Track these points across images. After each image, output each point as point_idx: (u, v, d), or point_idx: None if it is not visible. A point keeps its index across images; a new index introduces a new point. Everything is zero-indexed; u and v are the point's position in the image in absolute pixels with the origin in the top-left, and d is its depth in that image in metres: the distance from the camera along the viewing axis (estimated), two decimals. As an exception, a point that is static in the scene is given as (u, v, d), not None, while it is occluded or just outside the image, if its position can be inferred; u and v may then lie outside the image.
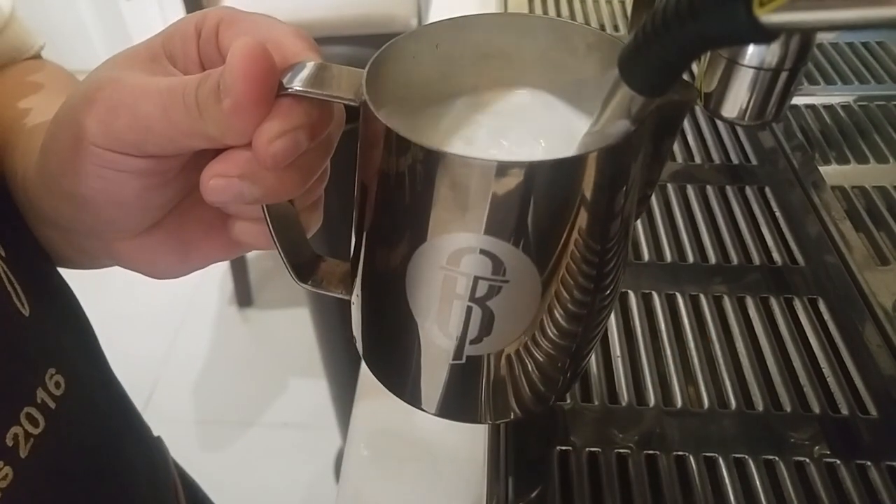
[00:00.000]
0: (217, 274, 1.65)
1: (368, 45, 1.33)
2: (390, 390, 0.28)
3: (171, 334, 1.55)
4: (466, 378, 0.25)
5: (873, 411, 0.35)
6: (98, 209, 0.24)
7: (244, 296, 1.59)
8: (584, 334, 0.25)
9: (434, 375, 0.25)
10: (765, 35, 0.17)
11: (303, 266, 0.28)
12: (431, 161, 0.20)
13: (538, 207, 0.20)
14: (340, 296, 0.28)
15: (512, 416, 0.27)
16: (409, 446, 0.39)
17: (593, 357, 0.38)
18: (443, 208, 0.20)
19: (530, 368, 0.25)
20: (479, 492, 0.35)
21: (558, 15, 0.72)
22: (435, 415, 0.27)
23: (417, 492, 0.37)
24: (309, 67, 0.22)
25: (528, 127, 0.25)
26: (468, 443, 0.39)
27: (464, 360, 0.24)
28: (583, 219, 0.21)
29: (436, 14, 0.90)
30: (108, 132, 0.21)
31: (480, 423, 0.27)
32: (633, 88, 0.20)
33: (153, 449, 0.40)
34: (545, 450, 0.34)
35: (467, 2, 0.90)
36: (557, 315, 0.23)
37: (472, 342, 0.23)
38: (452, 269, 0.21)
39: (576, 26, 0.25)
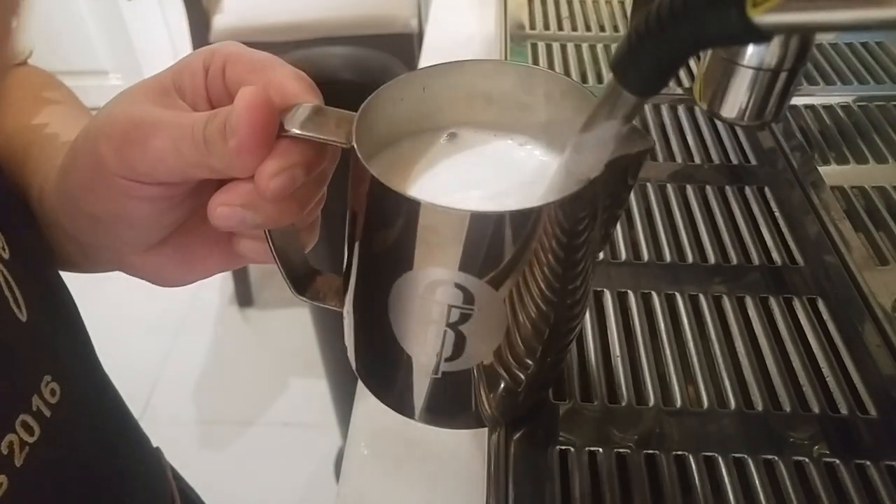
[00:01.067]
0: (217, 274, 1.65)
1: (369, 45, 1.33)
2: (378, 398, 0.30)
3: (172, 334, 1.55)
4: (444, 391, 0.28)
5: (873, 411, 0.35)
6: (113, 227, 0.26)
7: (244, 296, 1.59)
8: (549, 352, 0.28)
9: (415, 387, 0.28)
10: (758, 35, 0.17)
11: (300, 280, 0.31)
12: (410, 208, 0.22)
13: (504, 249, 0.23)
14: (335, 308, 0.31)
15: (488, 424, 0.30)
16: (409, 446, 0.39)
17: (593, 357, 0.38)
18: (421, 247, 0.23)
19: (501, 382, 0.28)
20: (479, 492, 0.35)
21: (559, 17, 0.72)
22: (418, 421, 0.30)
23: (417, 492, 0.37)
24: (306, 110, 0.24)
25: (503, 168, 0.28)
26: (468, 443, 0.39)
27: (440, 375, 0.27)
28: (544, 257, 0.24)
29: (436, 14, 0.90)
30: (124, 163, 0.24)
31: (460, 429, 0.30)
32: (626, 88, 0.21)
33: (150, 459, 0.40)
34: (545, 449, 0.34)
35: (467, 2, 0.90)
36: (522, 337, 0.26)
37: (447, 360, 0.26)
38: (429, 297, 0.24)
39: (552, 74, 0.28)
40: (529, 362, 0.28)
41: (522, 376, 0.28)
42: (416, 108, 0.28)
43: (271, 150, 0.23)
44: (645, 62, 0.20)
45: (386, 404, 0.30)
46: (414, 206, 0.22)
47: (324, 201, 0.29)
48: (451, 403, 0.29)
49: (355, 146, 0.23)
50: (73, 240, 0.29)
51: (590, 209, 0.24)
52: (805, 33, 0.37)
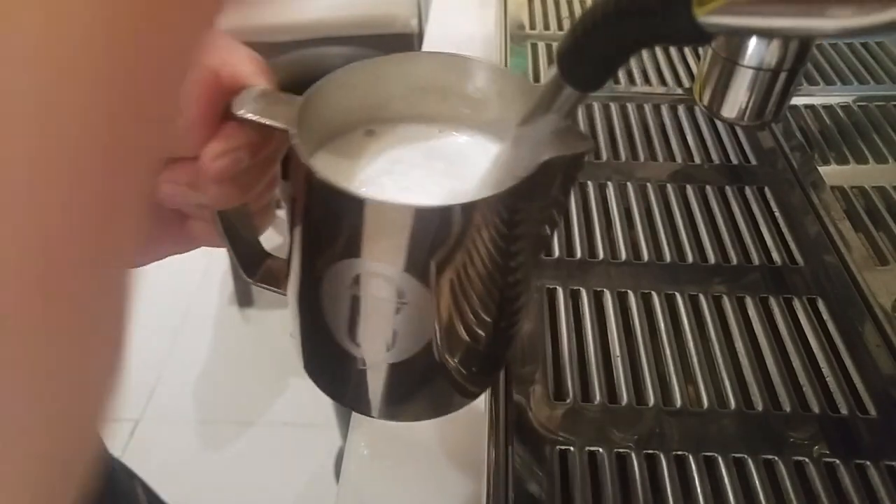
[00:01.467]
0: (217, 274, 1.65)
1: (369, 45, 1.32)
2: (332, 398, 0.30)
3: (172, 334, 1.55)
4: (379, 383, 0.27)
5: (872, 411, 0.35)
6: None
7: (244, 296, 1.59)
8: (486, 346, 0.28)
9: (351, 380, 0.28)
10: (702, 35, 0.17)
11: (251, 263, 0.30)
12: (338, 198, 0.22)
13: (430, 243, 0.23)
14: (280, 293, 0.30)
15: (429, 416, 0.30)
16: (409, 446, 0.39)
17: (593, 357, 0.38)
18: (347, 237, 0.23)
19: (436, 375, 0.27)
20: (479, 492, 0.35)
21: (559, 17, 0.72)
22: (361, 413, 0.29)
23: (417, 492, 0.37)
24: (255, 93, 0.24)
25: (447, 162, 0.28)
26: (468, 443, 0.39)
27: (374, 368, 0.27)
28: (470, 255, 0.23)
29: (436, 15, 0.90)
30: None
31: (402, 421, 0.30)
32: (569, 83, 0.21)
33: (112, 476, 0.39)
34: (545, 449, 0.34)
35: (467, 2, 0.90)
36: (455, 331, 0.26)
37: (379, 353, 0.26)
38: (357, 290, 0.24)
39: (507, 72, 0.28)
40: (466, 354, 0.27)
41: (462, 368, 0.28)
42: (367, 96, 0.28)
43: (217, 131, 0.23)
44: (590, 58, 0.20)
45: (326, 394, 0.30)
46: (338, 194, 0.22)
47: (276, 185, 0.28)
48: (390, 396, 0.28)
49: (293, 132, 0.23)
50: None
51: (522, 209, 0.24)
52: (746, 35, 0.37)
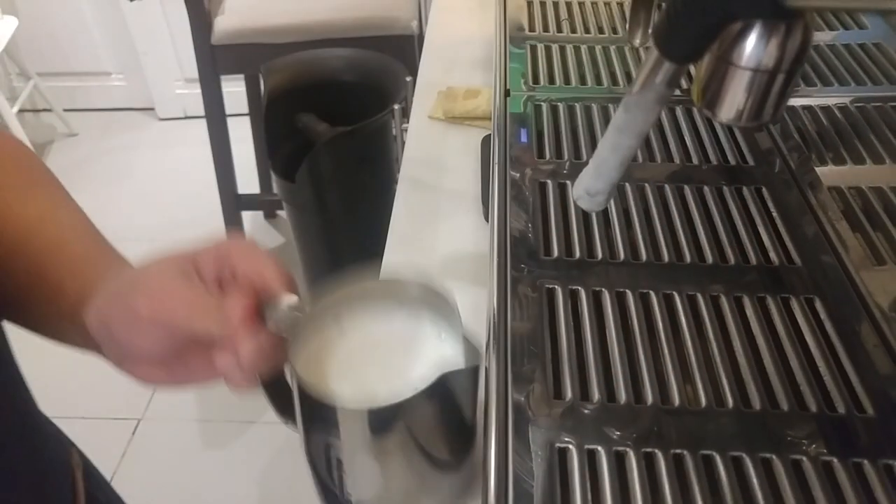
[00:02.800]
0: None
1: (370, 47, 1.32)
2: None
3: (172, 335, 1.55)
4: None
5: (870, 410, 0.36)
6: (127, 346, 0.34)
7: (245, 297, 1.59)
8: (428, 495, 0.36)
9: None
10: (786, 13, 0.18)
11: (283, 410, 0.38)
12: (309, 397, 0.32)
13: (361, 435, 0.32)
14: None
15: None
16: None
17: (591, 356, 0.39)
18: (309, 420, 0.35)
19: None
20: (478, 491, 0.35)
21: (558, 19, 0.72)
22: None
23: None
24: (279, 310, 0.33)
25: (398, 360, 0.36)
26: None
27: None
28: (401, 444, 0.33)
29: (436, 17, 0.90)
30: (155, 315, 0.32)
31: None
32: (667, 59, 0.23)
33: (44, 451, 0.40)
34: (545, 449, 0.34)
35: (467, 4, 0.91)
36: (395, 487, 0.36)
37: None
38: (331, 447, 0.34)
39: (435, 291, 0.35)
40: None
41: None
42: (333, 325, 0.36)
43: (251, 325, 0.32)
44: (681, 35, 0.23)
45: None
46: (311, 397, 0.32)
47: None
48: None
49: (289, 349, 0.32)
50: (86, 337, 0.35)
51: (408, 418, 0.32)
52: (829, 11, 0.43)
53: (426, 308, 0.36)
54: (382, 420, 0.32)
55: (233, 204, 1.58)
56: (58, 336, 0.38)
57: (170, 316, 0.32)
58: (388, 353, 0.36)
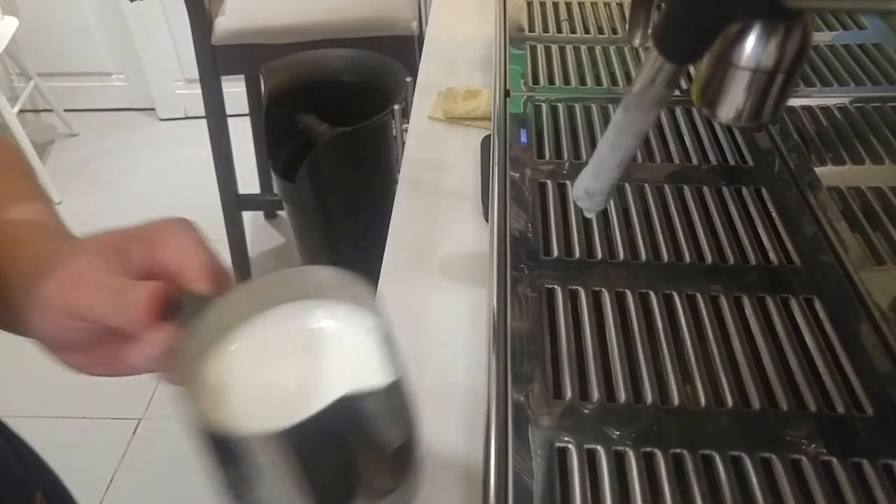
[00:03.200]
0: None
1: (370, 47, 1.32)
2: None
3: (173, 335, 1.55)
4: None
5: (869, 410, 0.36)
6: (48, 334, 0.33)
7: (245, 297, 1.59)
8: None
9: None
10: (785, 13, 0.18)
11: None
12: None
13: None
14: None
15: None
16: (409, 445, 0.39)
17: (591, 356, 0.39)
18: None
19: None
20: (478, 492, 0.35)
21: (557, 19, 0.72)
22: None
23: (417, 491, 0.37)
24: (184, 302, 0.30)
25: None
26: (467, 443, 0.40)
27: None
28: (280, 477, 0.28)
29: (436, 17, 0.90)
30: (62, 299, 0.31)
31: None
32: (666, 59, 0.23)
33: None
34: (544, 448, 0.34)
35: (467, 5, 0.91)
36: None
37: None
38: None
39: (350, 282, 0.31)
40: None
41: None
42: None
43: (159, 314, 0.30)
44: (681, 35, 0.22)
45: None
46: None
47: None
48: None
49: (180, 351, 0.29)
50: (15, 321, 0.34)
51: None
52: (828, 11, 0.42)
53: (332, 300, 0.32)
54: (274, 448, 0.27)
55: (233, 204, 1.58)
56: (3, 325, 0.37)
57: (74, 302, 0.31)
58: (289, 360, 0.32)
